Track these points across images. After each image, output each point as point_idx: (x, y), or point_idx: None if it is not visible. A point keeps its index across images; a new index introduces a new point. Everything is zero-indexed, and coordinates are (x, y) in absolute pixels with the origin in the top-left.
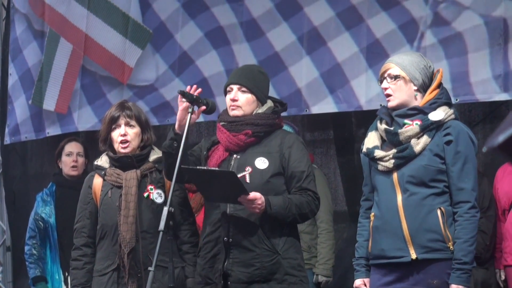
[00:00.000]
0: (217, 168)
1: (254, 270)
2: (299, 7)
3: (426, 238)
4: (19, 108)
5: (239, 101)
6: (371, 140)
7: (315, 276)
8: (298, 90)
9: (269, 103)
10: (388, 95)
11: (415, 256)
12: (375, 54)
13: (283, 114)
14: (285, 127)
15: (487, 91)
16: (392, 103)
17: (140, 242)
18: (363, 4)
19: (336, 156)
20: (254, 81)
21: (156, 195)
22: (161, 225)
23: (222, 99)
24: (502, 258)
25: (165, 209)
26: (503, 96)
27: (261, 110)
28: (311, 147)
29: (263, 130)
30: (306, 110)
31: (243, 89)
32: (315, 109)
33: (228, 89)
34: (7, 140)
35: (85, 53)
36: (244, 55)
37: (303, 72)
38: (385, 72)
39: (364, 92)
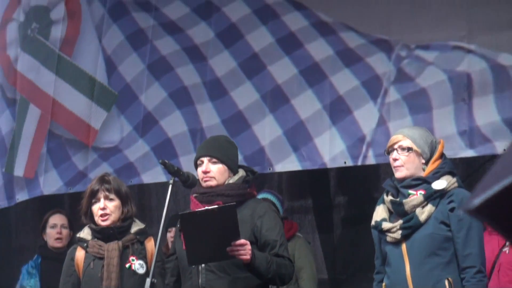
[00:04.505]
0: (216, 206)
1: None
2: (263, 66)
3: None
4: None
5: (211, 172)
6: (379, 213)
7: None
8: (262, 148)
9: (241, 172)
10: (398, 166)
11: None
12: (338, 111)
13: None
14: (269, 196)
15: (453, 147)
16: (401, 174)
17: None
18: (326, 60)
19: (315, 223)
20: (223, 151)
21: (138, 266)
22: None
23: (185, 159)
24: None
25: (148, 280)
26: (469, 153)
27: (232, 180)
28: (290, 214)
29: (234, 200)
30: (270, 169)
31: (214, 160)
32: (279, 167)
33: (198, 162)
34: None
35: (52, 118)
36: (208, 115)
37: (267, 130)
38: (395, 143)
39: (328, 149)
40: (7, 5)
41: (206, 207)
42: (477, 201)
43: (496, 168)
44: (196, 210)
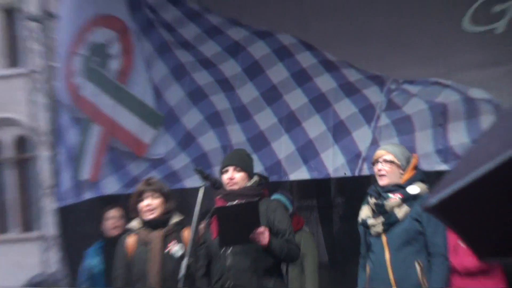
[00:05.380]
0: (243, 201)
1: None
2: (280, 95)
3: (407, 285)
4: (65, 180)
5: (235, 178)
6: (364, 212)
7: None
8: (279, 161)
9: (255, 178)
10: (382, 175)
11: None
12: (340, 132)
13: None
14: (279, 197)
15: (430, 162)
16: (384, 182)
17: None
18: (330, 92)
19: (318, 219)
20: (244, 162)
21: (177, 249)
22: (181, 274)
23: (218, 168)
24: None
25: (185, 259)
26: (443, 167)
27: (249, 183)
28: (299, 211)
29: (250, 199)
30: (285, 177)
31: (238, 168)
32: (292, 176)
33: (224, 170)
34: (58, 204)
35: (111, 134)
36: (236, 134)
37: (282, 146)
38: (380, 157)
39: (331, 162)
40: (71, 41)
41: (237, 201)
42: (434, 200)
43: (454, 170)
44: (228, 204)
